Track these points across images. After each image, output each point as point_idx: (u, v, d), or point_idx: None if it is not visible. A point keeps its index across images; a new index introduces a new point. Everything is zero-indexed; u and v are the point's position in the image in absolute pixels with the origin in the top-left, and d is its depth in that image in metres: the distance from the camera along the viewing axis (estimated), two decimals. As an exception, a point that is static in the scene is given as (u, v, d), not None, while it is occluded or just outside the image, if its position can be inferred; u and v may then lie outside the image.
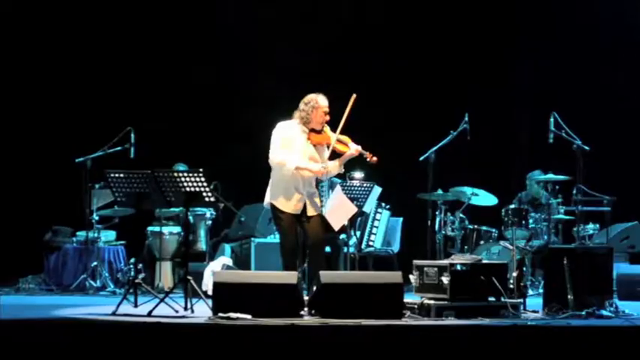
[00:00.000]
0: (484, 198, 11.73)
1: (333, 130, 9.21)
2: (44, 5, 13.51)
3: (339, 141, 9.17)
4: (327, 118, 9.16)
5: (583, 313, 8.46)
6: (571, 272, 8.66)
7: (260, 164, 9.34)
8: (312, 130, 9.17)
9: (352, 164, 10.17)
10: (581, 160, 10.42)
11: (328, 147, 9.19)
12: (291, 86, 11.79)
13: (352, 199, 9.73)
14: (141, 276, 10.88)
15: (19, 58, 13.48)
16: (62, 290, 11.64)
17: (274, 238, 11.41)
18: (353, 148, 9.16)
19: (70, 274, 11.92)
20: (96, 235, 11.81)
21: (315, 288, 8.50)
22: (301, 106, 9.15)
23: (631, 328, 7.77)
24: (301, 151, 9.14)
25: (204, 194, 8.65)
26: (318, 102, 9.12)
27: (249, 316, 7.97)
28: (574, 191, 10.93)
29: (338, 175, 10.63)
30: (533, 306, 9.05)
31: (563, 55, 13.53)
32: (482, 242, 11.60)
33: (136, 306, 8.91)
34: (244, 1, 13.83)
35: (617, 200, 11.66)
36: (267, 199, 9.25)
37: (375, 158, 9.17)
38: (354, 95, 9.19)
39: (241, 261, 11.76)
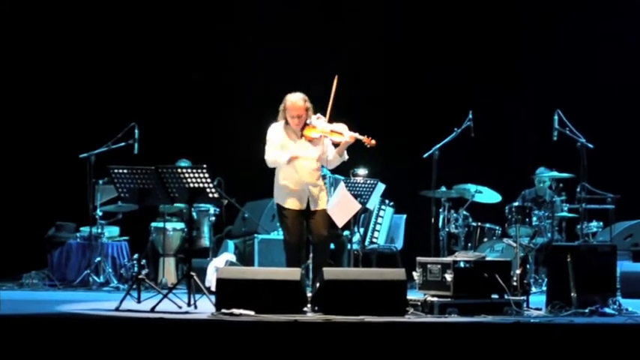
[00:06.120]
0: (488, 195, 11.73)
1: (324, 114, 9.23)
2: (50, 1, 13.51)
3: (332, 131, 9.17)
4: (301, 114, 9.13)
5: (586, 310, 8.44)
6: (574, 270, 8.64)
7: (263, 160, 9.35)
8: (304, 126, 9.20)
9: (355, 161, 10.17)
10: (585, 158, 10.42)
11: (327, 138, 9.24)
12: (292, 82, 11.80)
13: (356, 196, 9.72)
14: (144, 272, 10.89)
15: (23, 54, 13.49)
16: (65, 286, 11.65)
17: (278, 235, 11.41)
18: (347, 136, 9.14)
19: (74, 270, 11.94)
20: (99, 230, 11.82)
21: (318, 284, 8.51)
22: (281, 107, 9.23)
23: (634, 325, 7.76)
24: (296, 149, 9.19)
25: (208, 190, 8.65)
26: (286, 102, 9.19)
27: (252, 312, 7.98)
28: (578, 189, 10.94)
29: (341, 172, 10.65)
30: (537, 303, 9.04)
31: (567, 52, 13.52)
32: (485, 239, 11.61)
33: (139, 302, 8.93)
34: (245, 3, 13.84)
35: (621, 198, 11.66)
36: (274, 198, 9.37)
37: (373, 142, 9.13)
38: (336, 77, 9.21)
39: (245, 257, 11.76)
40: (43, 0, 13.54)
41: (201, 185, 8.61)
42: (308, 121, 9.19)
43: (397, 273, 8.54)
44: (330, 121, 9.25)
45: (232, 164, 12.45)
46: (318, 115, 9.25)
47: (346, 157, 9.32)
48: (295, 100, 9.15)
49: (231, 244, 12.06)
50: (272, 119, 9.29)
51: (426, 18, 13.83)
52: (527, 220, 11.32)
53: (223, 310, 8.06)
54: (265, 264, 11.30)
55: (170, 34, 13.71)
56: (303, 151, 9.20)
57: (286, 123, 9.21)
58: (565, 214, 11.62)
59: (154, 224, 12.12)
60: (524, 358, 7.16)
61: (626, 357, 7.17)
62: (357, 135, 9.14)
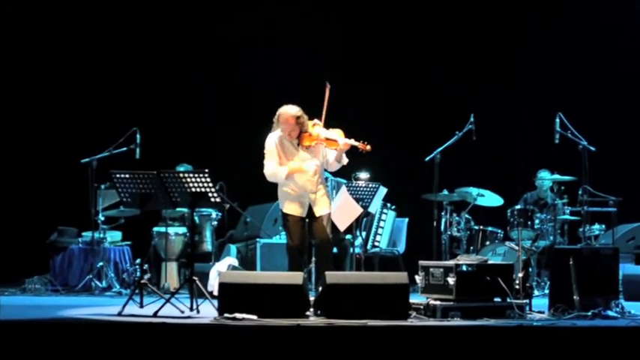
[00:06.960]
0: (490, 199, 11.72)
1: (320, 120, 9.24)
2: (51, 5, 13.52)
3: (328, 139, 9.15)
4: (292, 129, 9.11)
5: (589, 313, 8.45)
6: (577, 273, 8.65)
7: (264, 166, 9.32)
8: (300, 135, 9.19)
9: (357, 165, 10.17)
10: (587, 161, 10.42)
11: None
12: (292, 84, 11.83)
13: (358, 200, 9.73)
14: (146, 276, 10.88)
15: (25, 59, 13.50)
16: (68, 291, 11.64)
17: (280, 239, 11.41)
18: (341, 143, 9.13)
19: (76, 275, 11.92)
20: (102, 235, 11.81)
21: (321, 288, 8.51)
22: (274, 119, 9.20)
23: (637, 328, 7.76)
24: (294, 158, 9.19)
25: (210, 195, 8.65)
26: (280, 116, 9.16)
27: (254, 317, 7.98)
28: (580, 192, 10.93)
29: (343, 176, 10.65)
30: (539, 307, 9.04)
31: (568, 54, 13.51)
32: (487, 243, 11.59)
33: (141, 306, 8.92)
34: (246, 7, 13.84)
35: (623, 201, 11.65)
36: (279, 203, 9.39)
37: (368, 147, 9.12)
38: (327, 84, 9.22)
39: (247, 261, 11.76)
40: (44, 3, 13.54)
41: (202, 190, 8.61)
42: (304, 129, 9.17)
43: (399, 277, 8.53)
44: (326, 126, 9.24)
45: (234, 168, 12.45)
46: (315, 120, 9.23)
47: (346, 160, 9.31)
48: (288, 116, 9.13)
49: (233, 248, 12.05)
50: (272, 124, 9.27)
51: (428, 18, 13.82)
52: (529, 223, 11.31)
53: (226, 315, 8.05)
54: (267, 268, 11.29)
55: (172, 39, 13.71)
56: (302, 161, 9.18)
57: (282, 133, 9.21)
58: (567, 216, 11.60)
59: (156, 229, 12.11)
60: (527, 362, 7.17)
61: (628, 360, 7.18)
62: (351, 142, 9.12)
